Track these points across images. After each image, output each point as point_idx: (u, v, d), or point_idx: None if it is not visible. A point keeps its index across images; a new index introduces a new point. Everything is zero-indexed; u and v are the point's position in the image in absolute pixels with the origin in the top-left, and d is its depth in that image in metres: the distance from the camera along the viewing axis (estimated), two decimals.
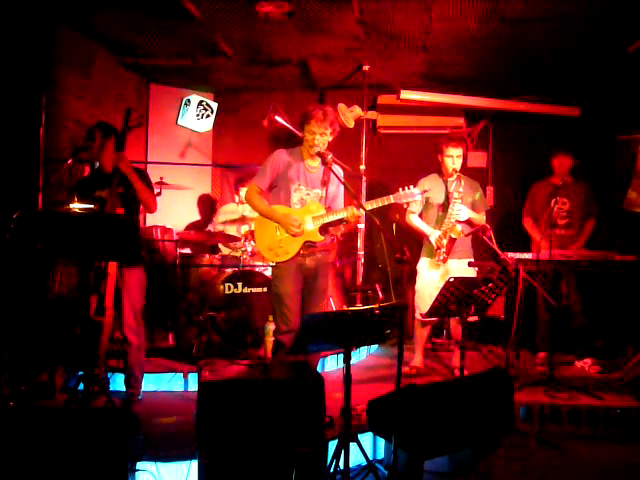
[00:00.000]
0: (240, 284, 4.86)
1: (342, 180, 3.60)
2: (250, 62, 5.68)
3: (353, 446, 2.86)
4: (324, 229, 3.75)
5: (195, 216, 6.72)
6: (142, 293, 3.92)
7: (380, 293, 5.34)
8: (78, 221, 3.25)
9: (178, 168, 6.32)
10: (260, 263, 5.16)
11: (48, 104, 4.57)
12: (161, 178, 5.47)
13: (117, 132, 3.81)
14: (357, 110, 5.52)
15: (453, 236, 4.40)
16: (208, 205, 6.76)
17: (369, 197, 3.74)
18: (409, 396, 2.88)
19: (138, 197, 3.77)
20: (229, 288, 4.83)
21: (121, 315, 3.81)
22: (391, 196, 3.69)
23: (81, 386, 3.46)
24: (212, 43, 5.15)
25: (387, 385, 3.71)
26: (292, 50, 5.33)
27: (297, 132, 3.82)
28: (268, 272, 5.09)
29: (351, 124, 5.47)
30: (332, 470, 2.81)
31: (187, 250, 5.90)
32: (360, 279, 5.51)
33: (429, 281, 4.51)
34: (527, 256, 4.23)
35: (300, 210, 3.72)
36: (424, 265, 4.62)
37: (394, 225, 5.83)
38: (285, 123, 5.35)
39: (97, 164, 3.89)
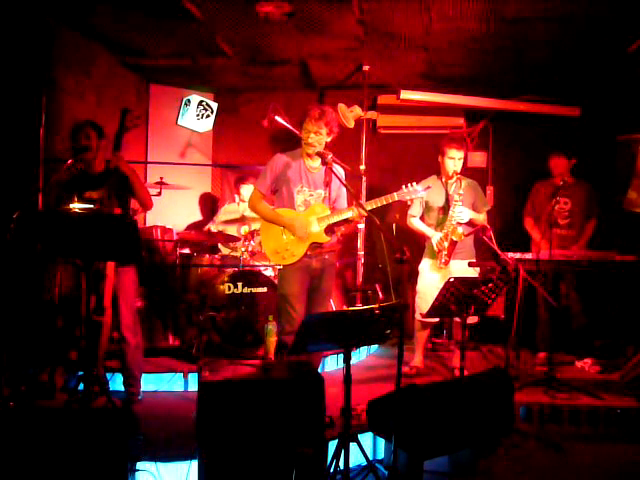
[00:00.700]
0: (240, 284, 4.86)
1: (344, 182, 3.59)
2: (250, 62, 5.68)
3: (353, 446, 2.86)
4: (330, 230, 3.75)
5: (195, 216, 6.72)
6: (137, 292, 3.98)
7: (380, 293, 5.34)
8: (79, 221, 3.25)
9: (178, 168, 6.32)
10: (260, 263, 5.16)
11: (48, 104, 4.57)
12: (161, 178, 5.47)
13: (104, 133, 3.81)
14: (357, 110, 5.52)
15: (454, 239, 4.38)
16: (209, 204, 6.76)
17: (369, 197, 3.74)
18: (409, 396, 2.88)
19: (136, 195, 3.78)
20: (229, 288, 4.83)
21: (118, 315, 3.82)
22: (395, 194, 3.69)
23: (81, 386, 3.46)
24: (212, 43, 5.15)
25: (387, 385, 3.72)
26: (292, 50, 5.33)
27: (297, 132, 3.81)
28: (268, 272, 5.09)
29: (351, 124, 5.47)
30: (332, 470, 2.81)
31: (187, 250, 5.90)
32: (360, 279, 5.51)
33: (431, 282, 4.50)
34: (527, 256, 4.23)
35: (305, 212, 3.72)
36: (426, 266, 4.62)
37: (394, 225, 5.83)
38: (285, 123, 5.35)
39: (80, 165, 3.81)
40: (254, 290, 4.90)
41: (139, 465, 2.92)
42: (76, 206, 3.62)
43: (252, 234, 5.20)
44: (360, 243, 5.49)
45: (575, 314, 4.97)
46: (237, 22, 4.66)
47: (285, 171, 3.71)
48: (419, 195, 3.76)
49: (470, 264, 4.36)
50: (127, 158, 3.76)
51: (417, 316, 4.66)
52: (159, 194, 5.35)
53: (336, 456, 2.80)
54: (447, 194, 4.53)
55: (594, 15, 4.37)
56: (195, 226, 6.53)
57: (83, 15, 4.67)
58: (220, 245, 5.80)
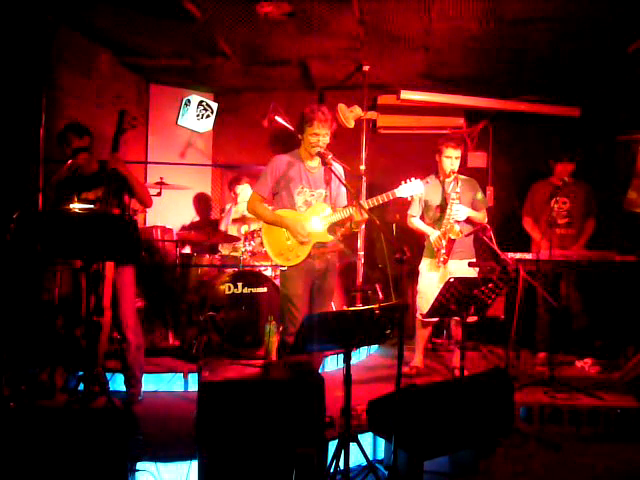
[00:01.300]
0: (240, 284, 4.86)
1: (343, 181, 3.59)
2: (250, 62, 5.69)
3: (353, 446, 2.86)
4: (332, 229, 3.75)
5: (195, 216, 6.72)
6: (135, 292, 3.98)
7: (380, 293, 5.34)
8: (79, 221, 3.25)
9: (178, 168, 6.32)
10: (260, 263, 5.16)
11: (48, 104, 4.57)
12: (161, 178, 5.47)
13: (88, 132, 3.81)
14: (357, 110, 5.52)
15: (452, 237, 4.40)
16: (202, 204, 6.74)
17: (369, 197, 3.74)
18: (409, 396, 2.88)
19: (135, 195, 3.79)
20: (229, 288, 4.83)
21: (118, 315, 3.82)
22: (395, 190, 3.70)
23: (81, 386, 3.46)
24: (212, 43, 5.15)
25: (387, 385, 3.73)
26: (292, 50, 5.33)
27: (297, 133, 3.81)
28: (268, 272, 5.09)
29: (351, 124, 5.47)
30: (332, 470, 2.81)
31: (187, 250, 5.90)
32: (360, 279, 5.51)
33: (430, 282, 4.51)
34: (527, 256, 4.23)
35: (306, 212, 3.72)
36: (425, 266, 4.63)
37: (394, 225, 5.83)
38: (285, 123, 5.35)
39: (71, 166, 3.82)
40: (254, 290, 4.90)
41: (139, 465, 2.92)
42: (76, 206, 3.62)
43: (252, 234, 5.20)
44: (360, 243, 5.49)
45: (575, 314, 4.97)
46: (237, 22, 4.66)
47: (288, 172, 3.71)
48: (419, 190, 3.76)
49: (470, 264, 4.36)
50: (127, 158, 3.78)
51: (418, 315, 4.67)
52: (159, 194, 5.35)
53: (336, 456, 2.80)
54: (444, 193, 4.54)
55: (594, 15, 4.37)
56: (195, 226, 6.53)
57: (83, 15, 4.67)
58: (221, 246, 5.81)
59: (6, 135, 4.28)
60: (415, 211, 4.69)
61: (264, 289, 4.92)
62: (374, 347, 5.53)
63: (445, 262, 4.43)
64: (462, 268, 4.37)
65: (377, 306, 2.71)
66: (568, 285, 4.94)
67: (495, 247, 4.03)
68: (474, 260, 4.55)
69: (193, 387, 4.28)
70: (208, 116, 6.63)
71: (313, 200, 3.74)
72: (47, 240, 3.22)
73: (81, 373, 3.59)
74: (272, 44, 5.18)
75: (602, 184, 5.49)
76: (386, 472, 3.21)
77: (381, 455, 3.49)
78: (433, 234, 4.52)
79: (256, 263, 5.16)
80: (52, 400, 3.88)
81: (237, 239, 5.41)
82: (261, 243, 4.62)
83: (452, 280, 3.41)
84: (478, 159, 6.37)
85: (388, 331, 2.87)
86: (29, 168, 4.42)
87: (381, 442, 3.49)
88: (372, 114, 6.01)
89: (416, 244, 4.84)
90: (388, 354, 5.34)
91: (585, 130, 5.93)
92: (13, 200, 4.01)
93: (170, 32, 4.95)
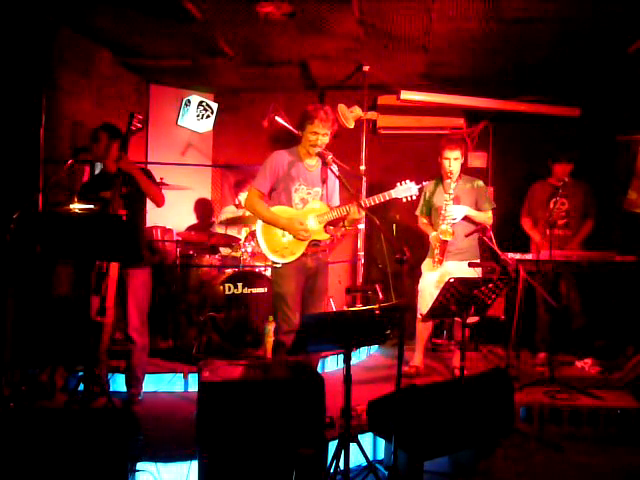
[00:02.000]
0: (240, 284, 4.86)
1: (342, 180, 3.57)
2: (250, 62, 5.68)
3: (353, 446, 2.86)
4: (329, 227, 3.77)
5: (195, 217, 6.72)
6: (148, 294, 3.93)
7: (380, 293, 5.34)
8: (77, 222, 3.25)
9: (178, 168, 6.31)
10: (260, 263, 5.16)
11: (48, 104, 4.57)
12: (161, 179, 5.45)
13: (122, 134, 3.81)
14: (357, 110, 5.52)
15: (442, 237, 4.42)
16: (201, 208, 6.74)
17: (369, 197, 3.75)
18: (409, 396, 2.88)
19: (145, 193, 3.79)
20: (229, 288, 4.83)
21: (125, 316, 3.81)
22: (392, 191, 3.72)
23: (81, 386, 3.46)
24: (212, 43, 5.15)
25: (387, 385, 3.73)
26: (292, 50, 5.33)
27: (297, 132, 3.82)
28: (268, 272, 5.09)
29: (351, 124, 5.47)
30: (332, 471, 2.81)
31: (187, 250, 5.90)
32: (360, 279, 5.51)
33: (429, 282, 4.52)
34: (527, 257, 4.23)
35: (303, 210, 3.72)
36: (425, 266, 4.65)
37: (394, 225, 5.83)
38: (285, 123, 5.35)
39: (98, 165, 3.90)
40: (254, 290, 4.90)
41: (139, 465, 2.91)
42: (76, 206, 3.63)
43: (253, 235, 5.20)
44: (360, 243, 5.48)
45: (575, 314, 4.96)
46: (237, 22, 4.66)
47: (288, 169, 3.71)
48: (413, 192, 3.78)
49: (470, 264, 4.36)
50: (128, 158, 3.76)
51: (418, 315, 4.67)
52: None
53: (336, 456, 2.80)
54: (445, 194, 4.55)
55: (594, 15, 4.36)
56: (194, 228, 6.53)
57: (83, 15, 4.67)
58: (220, 246, 5.81)
59: (6, 135, 4.28)
60: (419, 211, 4.77)
61: (264, 289, 4.92)
62: (374, 347, 5.53)
63: (440, 262, 4.45)
64: (462, 269, 4.37)
65: (377, 306, 2.71)
66: (568, 285, 4.94)
67: (495, 247, 4.03)
68: (478, 261, 4.55)
69: (193, 387, 4.28)
70: (208, 116, 6.63)
71: (309, 198, 3.75)
72: (46, 240, 3.22)
73: (81, 373, 3.59)
74: (272, 44, 5.18)
75: (602, 184, 5.49)
76: (386, 472, 3.21)
77: (381, 455, 3.49)
78: (431, 235, 4.57)
79: (256, 263, 5.16)
80: (52, 400, 3.88)
81: (236, 240, 5.41)
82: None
83: (452, 280, 3.41)
84: (478, 159, 6.36)
85: (388, 331, 2.88)
86: (29, 168, 4.42)
87: (381, 442, 3.49)
88: (372, 114, 6.01)
89: (416, 244, 4.84)
90: (388, 354, 5.34)
91: (585, 130, 5.93)
92: (13, 200, 4.00)
93: (170, 32, 4.95)
